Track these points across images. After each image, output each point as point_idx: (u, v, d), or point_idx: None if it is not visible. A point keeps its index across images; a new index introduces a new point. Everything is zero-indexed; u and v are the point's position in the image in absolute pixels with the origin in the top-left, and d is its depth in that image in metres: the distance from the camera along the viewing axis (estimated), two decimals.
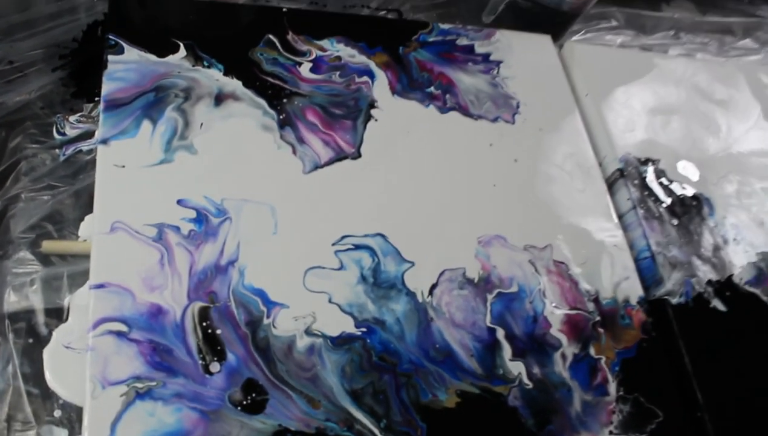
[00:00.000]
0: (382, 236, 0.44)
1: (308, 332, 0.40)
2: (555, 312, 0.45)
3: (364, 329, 0.41)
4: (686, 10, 0.71)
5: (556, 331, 0.45)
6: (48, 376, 0.37)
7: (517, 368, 0.43)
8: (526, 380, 0.42)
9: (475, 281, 0.45)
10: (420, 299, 0.43)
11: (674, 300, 0.49)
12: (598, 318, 0.46)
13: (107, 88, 0.44)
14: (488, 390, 0.41)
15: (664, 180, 0.55)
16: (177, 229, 0.40)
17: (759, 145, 0.60)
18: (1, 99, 0.42)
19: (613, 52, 0.62)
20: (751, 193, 0.58)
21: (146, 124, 0.43)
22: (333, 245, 0.43)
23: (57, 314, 0.40)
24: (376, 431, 0.38)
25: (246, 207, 0.42)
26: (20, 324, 0.39)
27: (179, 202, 0.41)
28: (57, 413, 0.38)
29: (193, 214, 0.41)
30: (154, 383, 0.36)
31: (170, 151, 0.43)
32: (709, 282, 0.51)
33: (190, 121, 0.44)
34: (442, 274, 0.44)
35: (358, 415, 0.38)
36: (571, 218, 0.50)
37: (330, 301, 0.41)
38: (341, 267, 0.42)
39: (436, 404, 0.40)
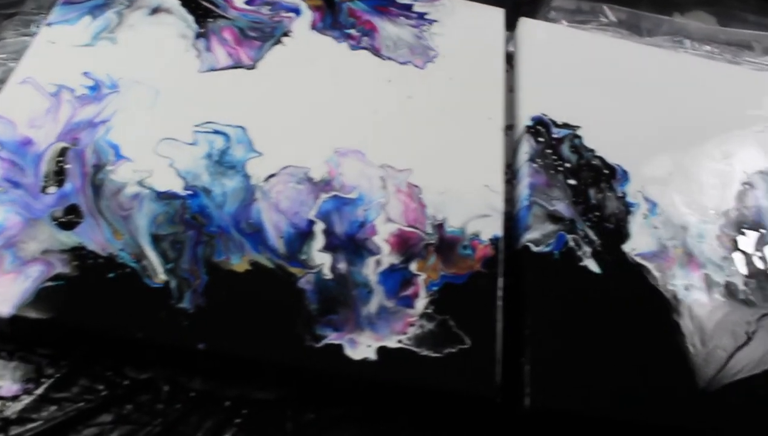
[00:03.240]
0: (243, 128, 0.49)
1: (140, 183, 0.46)
2: (388, 224, 0.47)
3: (190, 192, 0.46)
4: (703, 21, 0.67)
5: (381, 240, 0.46)
6: None
7: (322, 259, 0.45)
8: (326, 271, 0.44)
9: (316, 180, 0.48)
10: (253, 182, 0.47)
11: (536, 248, 0.47)
12: (433, 241, 0.46)
13: None
14: (282, 268, 0.44)
15: (578, 145, 0.53)
16: (72, 90, 0.50)
17: (702, 140, 0.56)
18: None
19: (572, 32, 0.61)
20: (686, 178, 0.53)
21: (87, 19, 0.54)
22: (196, 125, 0.49)
23: None
24: (159, 269, 0.42)
25: (136, 87, 0.50)
26: None
27: (85, 73, 0.51)
28: None
29: (91, 83, 0.50)
30: (0, 188, 0.44)
31: (96, 39, 0.53)
32: (589, 241, 0.48)
33: (122, 22, 0.54)
34: (285, 168, 0.48)
35: (150, 253, 0.43)
36: (449, 155, 0.51)
37: (171, 165, 0.47)
38: (194, 143, 0.48)
39: (226, 264, 0.43)
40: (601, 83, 0.57)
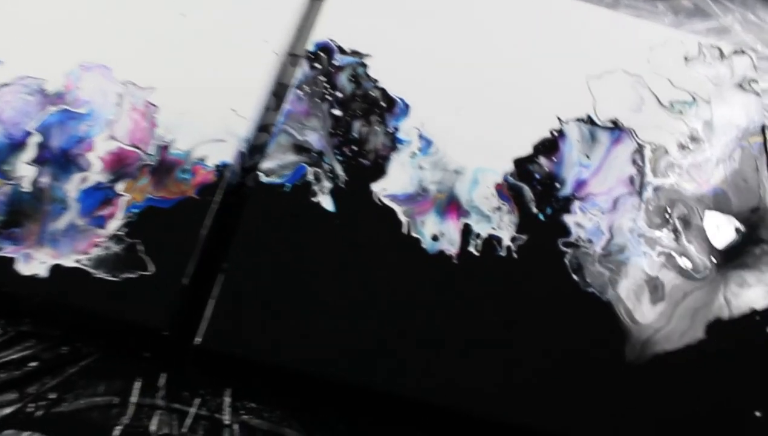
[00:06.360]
0: None
1: None
2: (108, 142, 0.46)
3: None
4: None
5: (96, 157, 0.45)
6: None
7: (27, 171, 0.44)
8: (26, 185, 0.44)
9: (49, 93, 0.47)
10: None
11: (266, 178, 0.45)
12: (152, 163, 0.45)
13: None
14: None
15: (359, 74, 0.50)
16: None
17: (519, 83, 0.51)
18: None
19: None
20: (483, 120, 0.49)
21: None
22: None
23: None
24: None
25: None
26: None
27: None
28: None
29: None
30: None
31: None
32: (333, 177, 0.46)
33: None
34: (22, 78, 0.48)
35: None
36: (204, 76, 0.49)
37: None
38: None
39: None
40: (420, 15, 0.53)
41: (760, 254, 0.47)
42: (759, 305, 0.45)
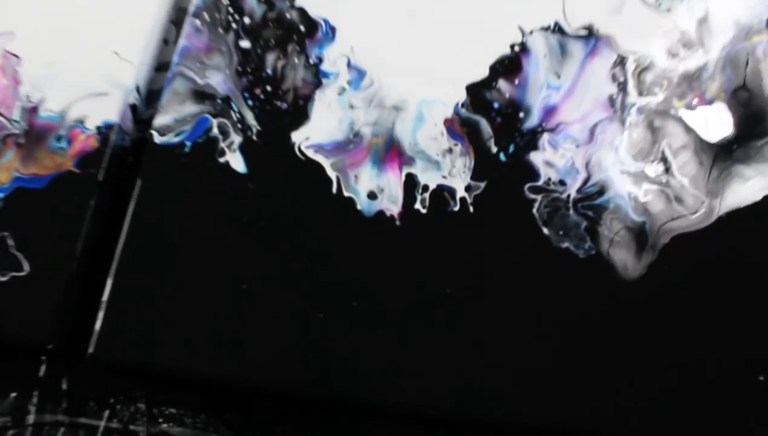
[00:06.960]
0: None
1: None
2: None
3: None
4: None
5: None
6: None
7: None
8: None
9: None
10: None
11: (161, 138, 0.37)
12: (17, 131, 0.37)
13: None
14: None
15: None
16: None
17: None
18: None
19: None
20: (428, 39, 0.40)
21: None
22: None
23: None
24: None
25: None
26: None
27: None
28: None
29: None
30: None
31: None
32: (243, 128, 0.37)
33: None
34: None
35: None
36: (72, 10, 0.40)
37: None
38: None
39: None
40: None
41: (762, 146, 0.39)
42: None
